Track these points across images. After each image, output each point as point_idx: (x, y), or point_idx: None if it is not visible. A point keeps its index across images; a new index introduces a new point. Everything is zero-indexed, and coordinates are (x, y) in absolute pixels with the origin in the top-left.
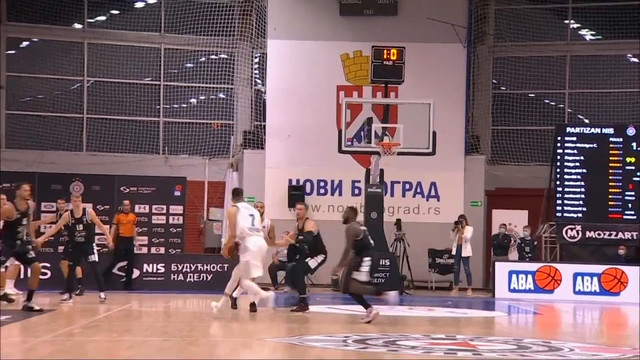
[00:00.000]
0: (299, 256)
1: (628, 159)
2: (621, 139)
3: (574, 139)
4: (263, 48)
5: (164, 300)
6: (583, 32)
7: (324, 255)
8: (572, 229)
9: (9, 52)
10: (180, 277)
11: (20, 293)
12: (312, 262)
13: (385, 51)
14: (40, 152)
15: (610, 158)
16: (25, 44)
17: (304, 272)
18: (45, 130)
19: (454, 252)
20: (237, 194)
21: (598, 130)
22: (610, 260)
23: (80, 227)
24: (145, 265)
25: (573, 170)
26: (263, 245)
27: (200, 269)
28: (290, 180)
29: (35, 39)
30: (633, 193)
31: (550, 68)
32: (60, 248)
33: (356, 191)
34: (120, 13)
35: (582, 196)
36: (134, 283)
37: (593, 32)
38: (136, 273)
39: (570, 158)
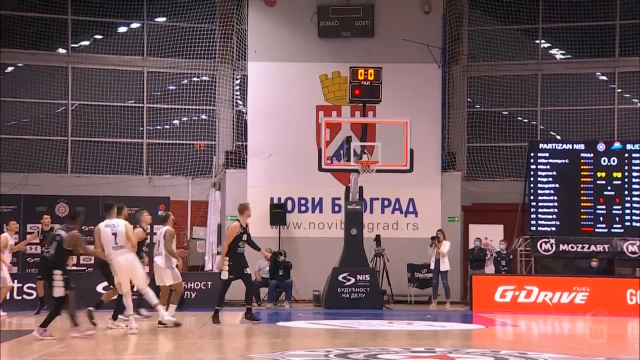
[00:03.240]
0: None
1: (599, 174)
2: (592, 155)
3: (547, 155)
4: (244, 70)
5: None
6: (553, 51)
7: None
8: (546, 242)
9: None
10: None
11: (5, 314)
12: (223, 275)
13: (362, 71)
14: (25, 174)
15: (582, 173)
16: (10, 69)
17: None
18: (30, 153)
19: (432, 267)
20: (108, 208)
21: (569, 146)
22: (583, 273)
23: None
24: None
25: (546, 185)
26: (128, 263)
27: (184, 287)
28: (272, 199)
29: (20, 64)
30: (604, 207)
31: (523, 86)
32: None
33: (336, 208)
34: (104, 38)
35: (555, 210)
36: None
37: (563, 52)
38: None
39: (543, 173)
